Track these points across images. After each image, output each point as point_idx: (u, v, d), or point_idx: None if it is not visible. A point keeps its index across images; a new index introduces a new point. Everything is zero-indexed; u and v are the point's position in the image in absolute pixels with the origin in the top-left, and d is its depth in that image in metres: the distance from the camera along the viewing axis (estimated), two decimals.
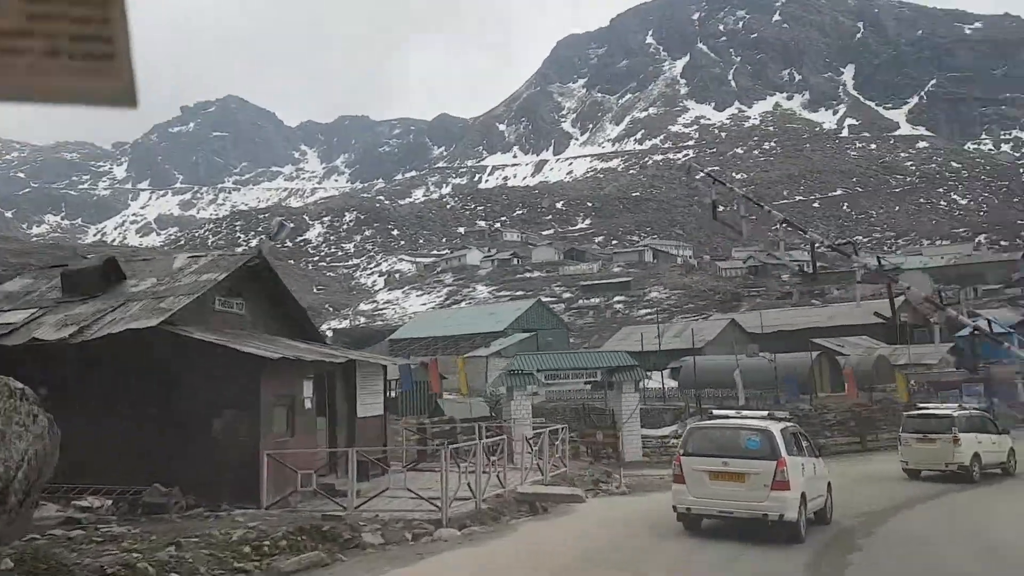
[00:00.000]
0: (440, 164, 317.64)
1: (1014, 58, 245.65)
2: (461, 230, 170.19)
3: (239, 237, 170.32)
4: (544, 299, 79.04)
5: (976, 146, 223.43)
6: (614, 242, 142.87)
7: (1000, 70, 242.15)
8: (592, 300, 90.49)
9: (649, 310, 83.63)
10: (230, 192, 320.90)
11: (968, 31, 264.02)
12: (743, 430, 12.59)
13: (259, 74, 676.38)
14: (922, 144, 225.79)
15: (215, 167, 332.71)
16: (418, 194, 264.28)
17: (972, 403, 23.54)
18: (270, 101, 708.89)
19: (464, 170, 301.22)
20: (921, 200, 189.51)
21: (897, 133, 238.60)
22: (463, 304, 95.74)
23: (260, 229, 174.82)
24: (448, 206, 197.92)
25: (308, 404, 16.03)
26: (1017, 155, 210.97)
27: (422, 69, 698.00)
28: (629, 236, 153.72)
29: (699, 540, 12.21)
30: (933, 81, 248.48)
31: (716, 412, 15.07)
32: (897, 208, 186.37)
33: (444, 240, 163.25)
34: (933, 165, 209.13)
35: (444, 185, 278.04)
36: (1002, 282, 71.22)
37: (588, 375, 23.67)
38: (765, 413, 14.36)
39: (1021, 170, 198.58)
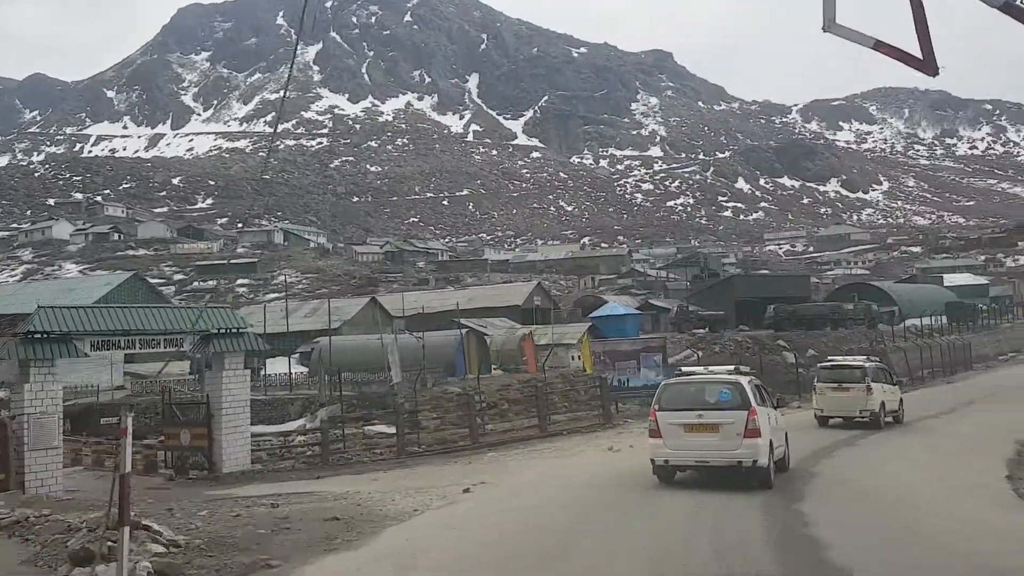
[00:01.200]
0: (33, 129, 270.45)
1: (611, 83, 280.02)
2: (51, 202, 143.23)
3: None
4: (153, 280, 66.13)
5: (580, 160, 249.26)
6: (239, 224, 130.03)
7: (600, 93, 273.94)
8: (209, 282, 79.07)
9: (278, 294, 74.83)
10: None
11: (576, 54, 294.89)
12: (715, 383, 13.05)
13: None
14: (536, 154, 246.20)
15: None
16: (1, 161, 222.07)
17: (651, 372, 22.06)
18: None
19: (62, 137, 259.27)
20: (535, 205, 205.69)
21: (515, 142, 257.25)
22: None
23: None
24: (37, 174, 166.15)
25: None
26: (613, 170, 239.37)
27: (13, 22, 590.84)
28: (258, 220, 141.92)
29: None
30: (546, 97, 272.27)
31: (685, 369, 15.16)
32: (515, 211, 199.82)
33: (29, 212, 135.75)
34: (545, 174, 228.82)
35: (36, 152, 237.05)
36: (614, 273, 77.51)
37: (172, 343, 15.75)
38: (732, 367, 14.59)
39: (616, 183, 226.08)
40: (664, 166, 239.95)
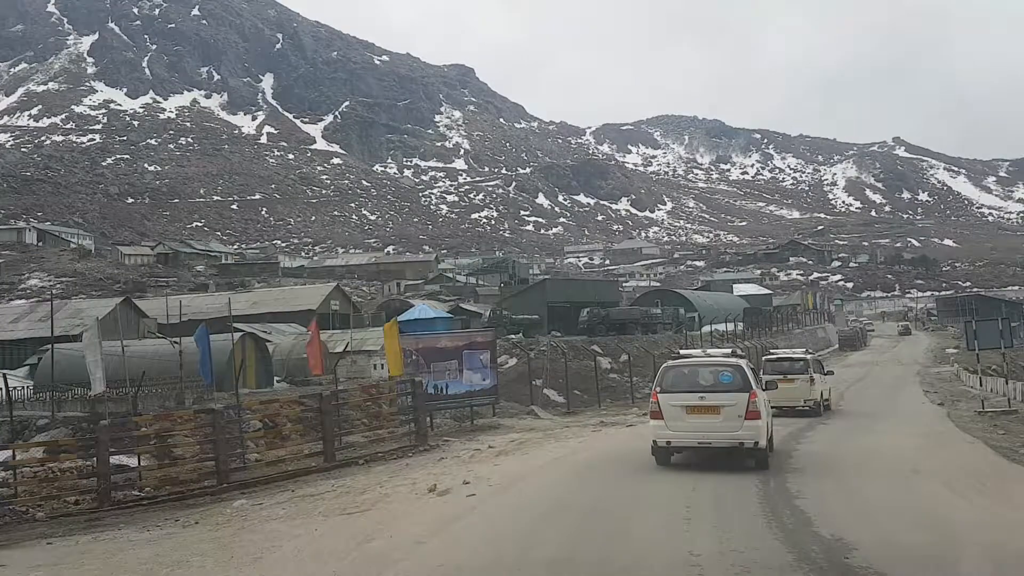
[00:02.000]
0: None
1: (415, 93, 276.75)
2: None
3: None
4: None
5: (384, 168, 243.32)
6: None
7: (403, 102, 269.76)
8: None
9: (25, 300, 63.97)
10: None
11: (378, 62, 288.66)
12: (716, 366, 13.23)
13: None
14: (337, 160, 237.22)
15: None
16: None
17: (476, 375, 18.54)
18: None
19: None
20: (336, 213, 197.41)
21: (314, 147, 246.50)
22: None
23: None
24: None
25: None
26: (417, 180, 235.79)
27: None
28: (13, 219, 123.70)
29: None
30: (347, 103, 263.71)
31: (683, 352, 15.21)
32: (314, 218, 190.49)
33: None
34: (347, 182, 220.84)
35: None
36: (421, 278, 74.19)
37: None
38: (729, 350, 14.83)
39: (420, 194, 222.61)
40: (468, 179, 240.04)
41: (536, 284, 56.15)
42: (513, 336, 39.47)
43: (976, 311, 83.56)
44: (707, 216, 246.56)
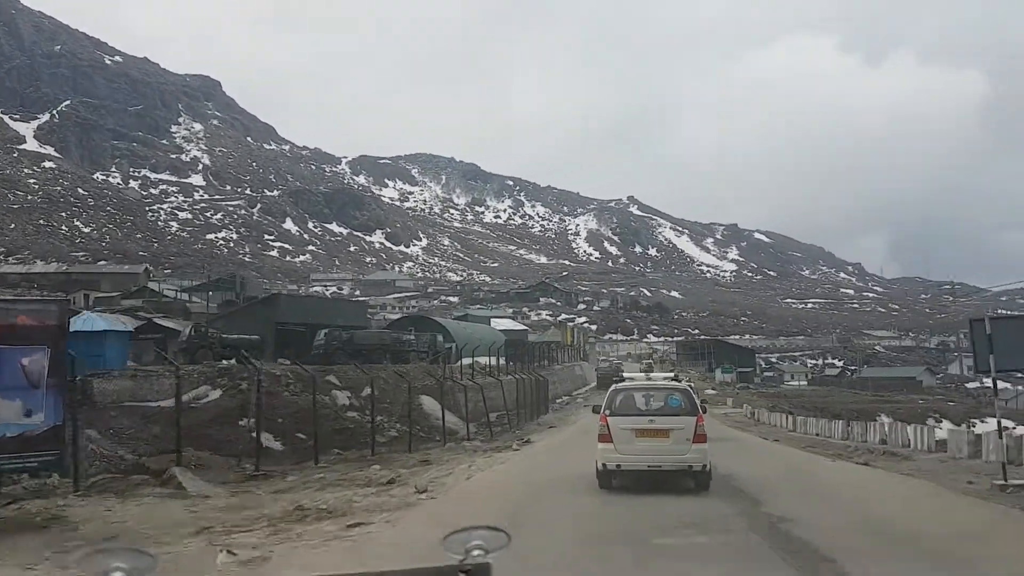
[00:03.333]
0: None
1: (150, 100, 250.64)
2: None
3: None
4: None
5: (105, 177, 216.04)
6: None
7: (135, 108, 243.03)
8: None
9: None
10: None
11: (109, 62, 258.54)
12: (664, 389, 13.31)
13: None
14: (49, 164, 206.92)
15: None
16: None
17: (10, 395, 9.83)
18: None
19: None
20: (42, 221, 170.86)
21: (23, 147, 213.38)
22: None
23: None
24: None
25: None
26: (145, 193, 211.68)
27: None
28: None
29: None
30: (68, 102, 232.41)
31: (626, 375, 15.68)
32: (13, 226, 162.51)
33: None
34: (59, 188, 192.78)
35: None
36: (119, 291, 62.06)
37: None
38: (671, 374, 15.45)
39: (148, 208, 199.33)
40: (206, 196, 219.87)
41: (264, 300, 46.62)
42: (226, 362, 30.54)
43: (713, 355, 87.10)
44: (461, 255, 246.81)
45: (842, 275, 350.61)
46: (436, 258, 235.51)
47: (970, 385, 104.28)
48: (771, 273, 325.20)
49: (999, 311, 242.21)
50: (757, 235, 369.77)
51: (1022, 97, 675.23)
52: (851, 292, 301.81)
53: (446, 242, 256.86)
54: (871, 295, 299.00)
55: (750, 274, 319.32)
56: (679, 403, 12.66)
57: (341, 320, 42.12)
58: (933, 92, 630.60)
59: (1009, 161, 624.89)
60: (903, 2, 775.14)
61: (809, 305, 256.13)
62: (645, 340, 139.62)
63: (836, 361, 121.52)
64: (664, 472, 12.32)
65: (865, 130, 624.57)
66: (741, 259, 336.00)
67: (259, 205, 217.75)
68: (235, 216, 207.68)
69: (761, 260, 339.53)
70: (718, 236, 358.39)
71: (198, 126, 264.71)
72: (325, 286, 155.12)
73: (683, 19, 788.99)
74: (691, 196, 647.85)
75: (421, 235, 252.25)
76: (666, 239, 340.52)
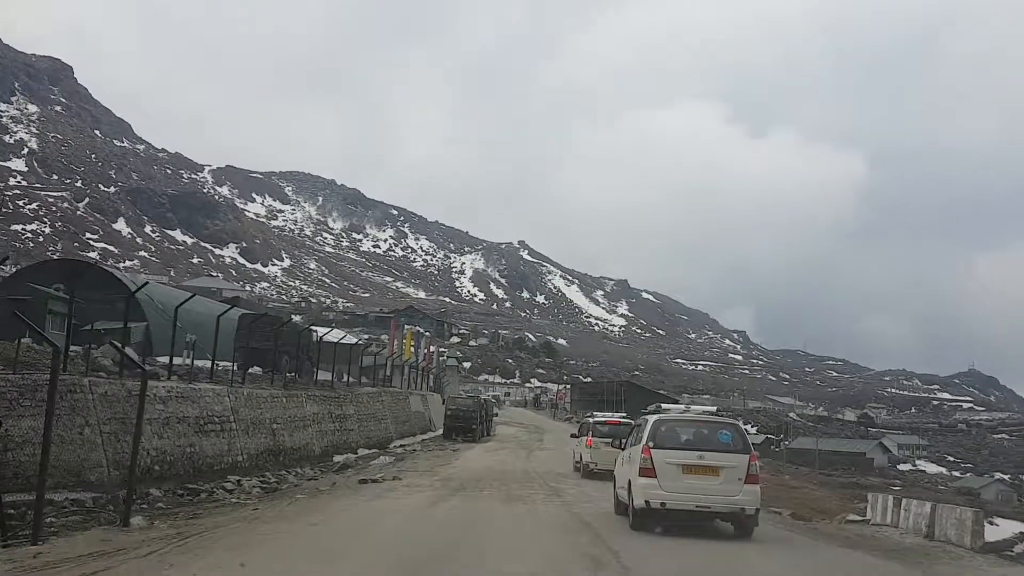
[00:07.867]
0: None
1: None
2: None
3: None
4: None
5: None
6: None
7: None
8: None
9: None
10: None
11: None
12: (714, 424, 12.27)
13: None
14: None
15: None
16: None
17: None
18: None
19: None
20: None
21: None
22: None
23: None
24: None
25: None
26: None
27: None
28: None
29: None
30: None
31: (664, 407, 13.93)
32: None
33: None
34: None
35: None
36: None
37: None
38: (714, 408, 14.22)
39: None
40: (24, 183, 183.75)
41: None
42: None
43: (625, 400, 64.93)
44: (327, 280, 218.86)
45: (727, 342, 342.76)
46: (297, 281, 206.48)
47: (902, 467, 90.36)
48: (660, 332, 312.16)
49: (888, 390, 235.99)
50: (645, 294, 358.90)
51: (897, 185, 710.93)
52: (739, 358, 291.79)
53: (312, 265, 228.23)
54: (758, 363, 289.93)
55: (639, 331, 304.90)
56: (730, 439, 11.72)
57: None
58: (813, 174, 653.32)
59: (881, 246, 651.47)
60: (790, 82, 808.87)
61: (700, 367, 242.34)
62: (528, 384, 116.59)
63: (751, 427, 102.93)
64: (712, 513, 11.48)
65: (738, 208, 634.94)
66: (631, 315, 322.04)
67: (87, 199, 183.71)
68: (53, 208, 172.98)
69: (650, 319, 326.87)
70: (608, 290, 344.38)
71: (33, 108, 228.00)
72: None
73: (574, 77, 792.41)
74: (582, 248, 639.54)
75: (284, 255, 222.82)
76: (555, 287, 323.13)
